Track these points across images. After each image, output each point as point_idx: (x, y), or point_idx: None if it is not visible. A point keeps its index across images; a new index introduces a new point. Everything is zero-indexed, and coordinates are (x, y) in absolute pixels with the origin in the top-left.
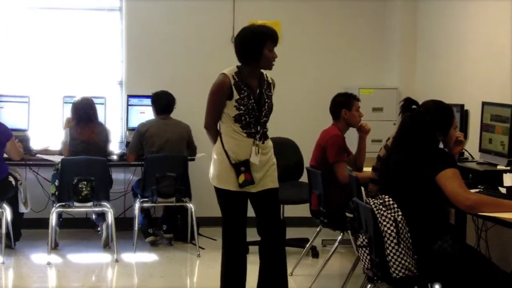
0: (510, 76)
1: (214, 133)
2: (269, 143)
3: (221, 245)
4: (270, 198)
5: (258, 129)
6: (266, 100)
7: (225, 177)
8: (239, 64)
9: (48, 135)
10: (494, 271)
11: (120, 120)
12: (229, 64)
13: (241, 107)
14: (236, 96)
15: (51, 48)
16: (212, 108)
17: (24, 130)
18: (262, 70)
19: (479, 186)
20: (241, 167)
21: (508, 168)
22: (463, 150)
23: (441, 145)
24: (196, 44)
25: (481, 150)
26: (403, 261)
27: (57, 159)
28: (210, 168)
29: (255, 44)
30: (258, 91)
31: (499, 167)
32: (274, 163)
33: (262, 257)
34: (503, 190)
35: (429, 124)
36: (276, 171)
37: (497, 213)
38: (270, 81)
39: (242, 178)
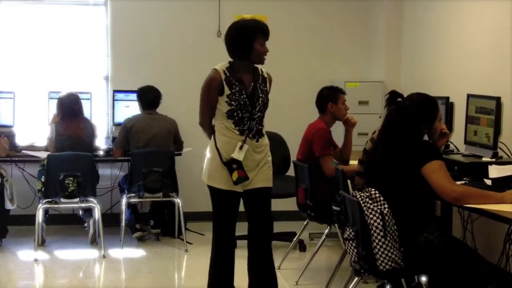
0: (494, 69)
1: (209, 130)
2: (264, 141)
3: (211, 240)
4: (260, 197)
5: (252, 125)
6: (260, 95)
7: (216, 175)
8: (231, 59)
9: (34, 131)
10: (480, 262)
11: (106, 115)
12: (215, 58)
13: (233, 102)
14: (227, 91)
15: (36, 43)
16: (204, 104)
17: (10, 126)
18: (256, 65)
19: (465, 178)
20: (233, 164)
21: (493, 160)
22: (449, 142)
23: (426, 138)
24: (182, 38)
25: (466, 142)
26: (389, 254)
27: (43, 155)
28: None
29: (245, 39)
30: (252, 86)
31: (484, 159)
32: (268, 161)
33: (250, 252)
34: (488, 182)
35: (414, 117)
36: (270, 169)
37: (483, 205)
38: (266, 75)
39: (235, 175)
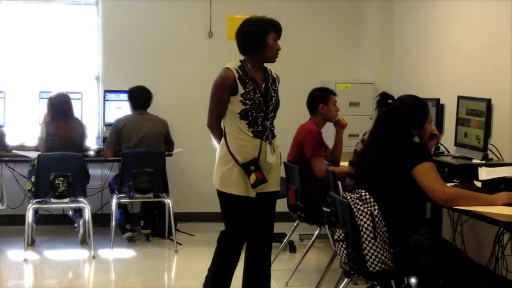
0: (485, 71)
1: (218, 132)
2: (277, 142)
3: (217, 243)
4: (269, 201)
5: (266, 126)
6: (273, 94)
7: (229, 181)
8: (243, 56)
9: (24, 130)
10: (469, 264)
11: (96, 116)
12: (206, 59)
13: (247, 101)
14: (241, 90)
15: (27, 43)
16: (215, 104)
17: (0, 126)
18: (265, 65)
19: (455, 180)
20: (251, 166)
21: (483, 162)
22: (439, 144)
23: (416, 140)
24: (173, 39)
25: (456, 144)
26: (379, 255)
27: (33, 155)
28: (214, 170)
29: (260, 33)
30: (264, 85)
31: (474, 161)
32: (279, 164)
33: (250, 256)
34: (478, 184)
35: (404, 119)
36: (279, 172)
37: (473, 207)
38: (275, 76)
39: (253, 178)
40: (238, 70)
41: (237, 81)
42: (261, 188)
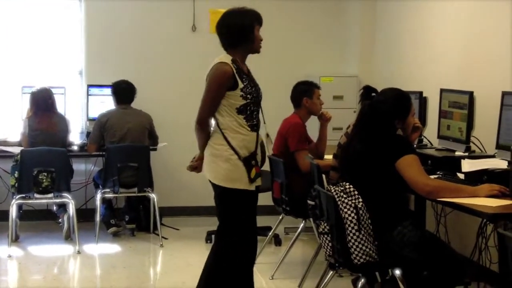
0: (467, 63)
1: (207, 128)
2: (263, 134)
3: (223, 245)
4: (257, 195)
5: (258, 119)
6: (259, 86)
7: (236, 176)
8: (225, 53)
9: (7, 126)
10: (452, 256)
11: (80, 110)
12: (190, 53)
13: (248, 95)
14: (241, 84)
15: (10, 38)
16: (212, 100)
17: None
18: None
19: (438, 172)
20: (252, 160)
21: (466, 154)
22: (422, 137)
23: (399, 132)
24: (157, 33)
25: (439, 136)
26: (364, 247)
27: (16, 150)
28: (208, 168)
29: (248, 25)
30: (251, 78)
31: (457, 153)
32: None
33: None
34: (461, 176)
35: (387, 112)
36: None
37: (456, 199)
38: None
39: (253, 172)
40: (233, 65)
41: (236, 75)
42: (257, 182)
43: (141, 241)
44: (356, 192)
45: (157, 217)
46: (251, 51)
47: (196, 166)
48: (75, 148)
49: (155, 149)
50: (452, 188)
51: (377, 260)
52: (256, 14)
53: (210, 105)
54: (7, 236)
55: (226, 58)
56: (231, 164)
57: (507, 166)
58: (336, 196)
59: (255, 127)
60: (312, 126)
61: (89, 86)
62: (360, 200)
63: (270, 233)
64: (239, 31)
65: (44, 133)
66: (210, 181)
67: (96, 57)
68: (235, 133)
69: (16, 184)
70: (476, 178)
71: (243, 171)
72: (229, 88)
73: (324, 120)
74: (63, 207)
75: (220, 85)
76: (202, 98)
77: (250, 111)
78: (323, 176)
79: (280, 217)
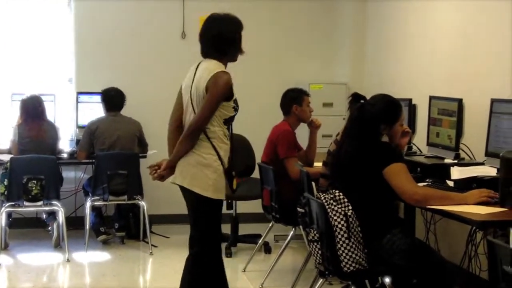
0: (456, 71)
1: (198, 137)
2: None
3: (205, 253)
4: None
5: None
6: None
7: (221, 187)
8: (211, 59)
9: None
10: (442, 264)
11: (70, 118)
12: (180, 60)
13: (237, 107)
14: (234, 95)
15: None
16: (213, 109)
17: None
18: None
19: (427, 180)
20: (232, 171)
21: (455, 161)
22: (411, 144)
23: (384, 139)
24: (146, 39)
25: (429, 144)
26: (353, 255)
27: (6, 157)
28: (194, 177)
29: (236, 34)
30: None
31: (446, 160)
32: None
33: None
34: (450, 183)
35: (374, 115)
36: None
37: (445, 206)
38: None
39: (235, 183)
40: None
41: (232, 86)
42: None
43: (130, 249)
44: (345, 200)
45: (147, 225)
46: (234, 59)
47: (164, 175)
48: (65, 155)
49: (144, 157)
50: (441, 196)
51: (366, 268)
52: (239, 21)
53: (211, 114)
54: None
55: (221, 66)
56: (218, 175)
57: (496, 173)
58: (326, 204)
59: (231, 137)
60: (302, 134)
61: (79, 93)
62: (350, 207)
63: (260, 241)
64: (231, 39)
65: (34, 140)
66: (185, 188)
67: (86, 65)
68: (221, 142)
69: (5, 192)
70: (465, 185)
71: (224, 181)
72: (225, 99)
73: (313, 127)
74: (52, 215)
75: (224, 95)
76: (203, 105)
77: (231, 121)
78: (313, 183)
79: (270, 225)
